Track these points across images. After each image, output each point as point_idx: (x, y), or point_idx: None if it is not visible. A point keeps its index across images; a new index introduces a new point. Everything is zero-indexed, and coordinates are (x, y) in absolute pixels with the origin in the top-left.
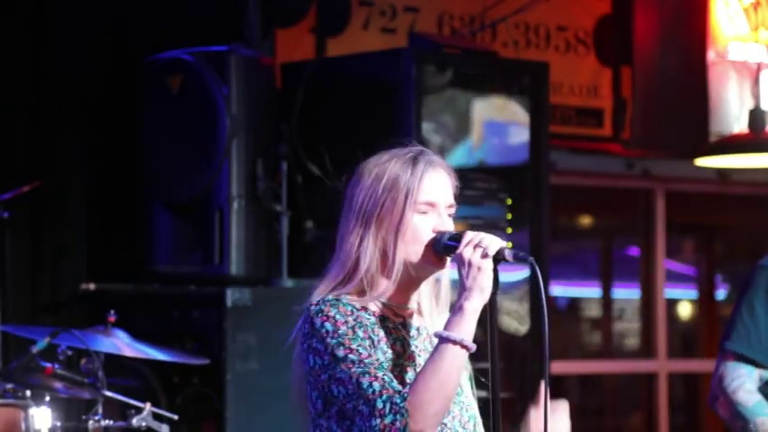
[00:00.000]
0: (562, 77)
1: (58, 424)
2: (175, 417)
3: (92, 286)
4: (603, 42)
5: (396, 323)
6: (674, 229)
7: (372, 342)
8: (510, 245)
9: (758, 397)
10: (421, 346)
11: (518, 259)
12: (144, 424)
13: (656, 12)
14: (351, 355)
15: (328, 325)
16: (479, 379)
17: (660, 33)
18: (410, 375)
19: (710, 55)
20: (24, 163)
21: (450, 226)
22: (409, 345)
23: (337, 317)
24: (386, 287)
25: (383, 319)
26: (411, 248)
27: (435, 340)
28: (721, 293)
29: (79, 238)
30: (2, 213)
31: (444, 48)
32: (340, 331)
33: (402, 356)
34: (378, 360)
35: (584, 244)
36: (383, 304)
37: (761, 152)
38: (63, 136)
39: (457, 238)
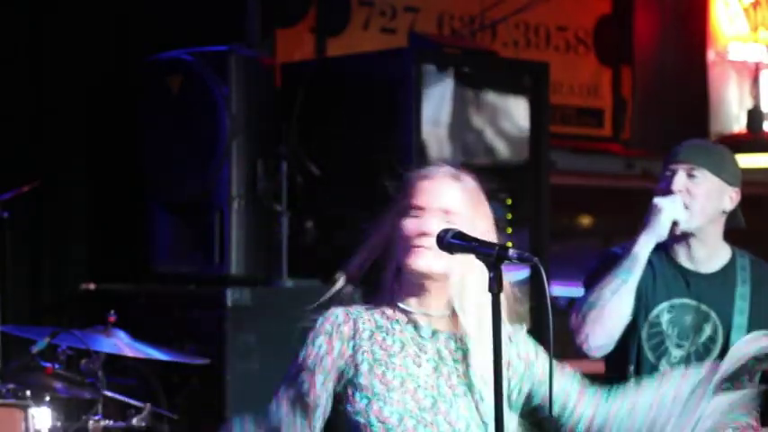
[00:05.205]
0: (562, 77)
1: (58, 424)
2: (175, 417)
3: (92, 286)
4: (603, 42)
5: (404, 325)
6: None
7: (331, 346)
8: (510, 244)
9: None
10: (430, 347)
11: (522, 260)
12: (144, 424)
13: (655, 12)
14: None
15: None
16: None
17: (660, 33)
18: (389, 374)
19: (710, 55)
20: (24, 163)
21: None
22: (412, 346)
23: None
24: (394, 292)
25: (394, 322)
26: (399, 250)
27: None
28: None
29: (79, 237)
30: (2, 213)
31: (444, 48)
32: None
33: (395, 356)
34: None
35: (584, 244)
36: (399, 308)
37: (760, 152)
38: (63, 136)
39: (460, 237)
